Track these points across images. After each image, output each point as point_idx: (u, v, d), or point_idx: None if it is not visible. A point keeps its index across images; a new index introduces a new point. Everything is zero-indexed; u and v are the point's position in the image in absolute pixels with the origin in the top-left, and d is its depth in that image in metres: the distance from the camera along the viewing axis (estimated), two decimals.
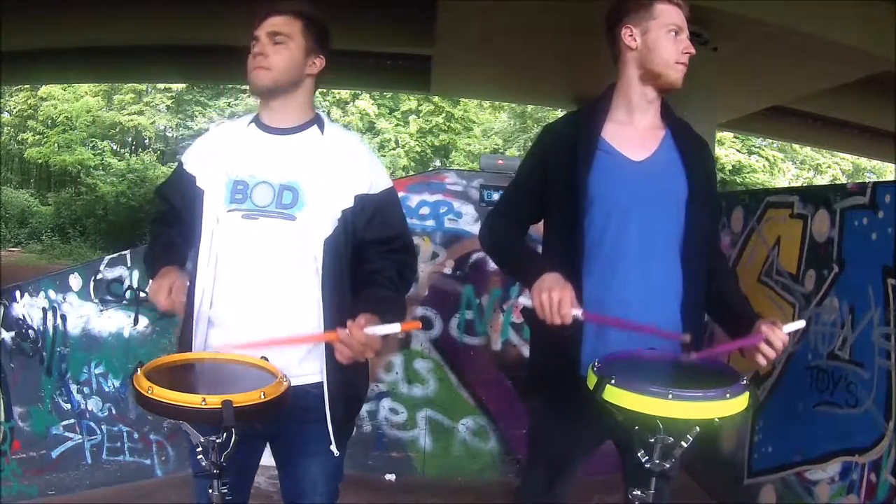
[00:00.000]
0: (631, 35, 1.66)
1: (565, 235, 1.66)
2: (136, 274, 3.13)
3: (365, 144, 1.76)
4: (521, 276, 1.74)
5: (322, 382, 1.58)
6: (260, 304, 1.57)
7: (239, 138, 1.66)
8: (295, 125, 1.66)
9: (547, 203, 1.74)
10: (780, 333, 1.51)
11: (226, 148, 1.65)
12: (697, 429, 1.38)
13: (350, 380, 1.62)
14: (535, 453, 1.85)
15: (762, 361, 1.54)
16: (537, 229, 1.83)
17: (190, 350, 1.60)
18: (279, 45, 1.60)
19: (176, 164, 1.78)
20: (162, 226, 1.77)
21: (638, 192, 1.64)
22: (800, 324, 1.62)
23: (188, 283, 1.60)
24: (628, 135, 1.69)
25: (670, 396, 1.29)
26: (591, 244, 1.63)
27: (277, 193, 1.58)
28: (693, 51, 1.66)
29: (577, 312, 1.48)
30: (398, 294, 1.62)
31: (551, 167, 1.71)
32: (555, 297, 1.47)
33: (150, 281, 1.62)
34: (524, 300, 1.62)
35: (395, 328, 1.44)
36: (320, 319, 1.56)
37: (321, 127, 1.67)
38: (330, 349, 1.53)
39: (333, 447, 1.60)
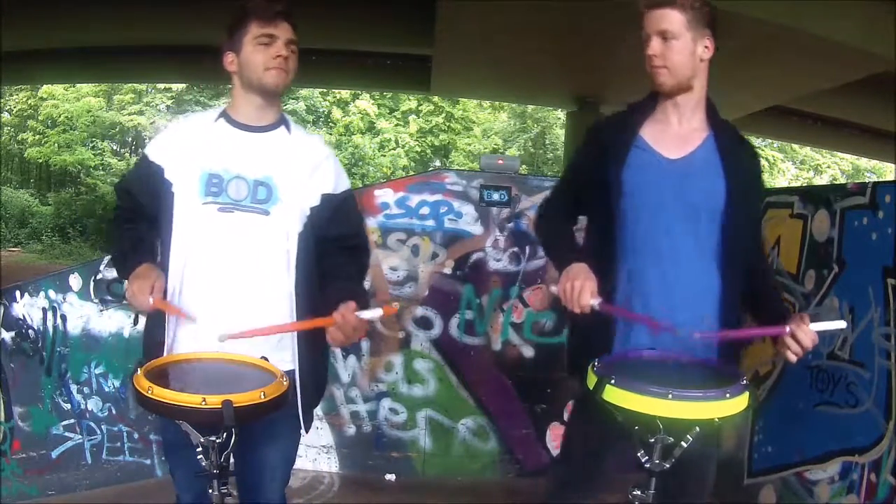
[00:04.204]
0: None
1: (601, 231, 1.70)
2: None
3: (328, 147, 1.82)
4: (555, 263, 1.78)
5: (294, 370, 1.63)
6: (233, 297, 1.59)
7: (209, 132, 1.67)
8: (266, 124, 1.69)
9: (586, 198, 1.77)
10: (806, 329, 1.50)
11: (196, 141, 1.66)
12: (697, 429, 1.38)
13: (317, 367, 1.71)
14: (571, 443, 1.89)
15: (791, 358, 1.53)
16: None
17: (161, 347, 1.60)
18: (292, 53, 1.66)
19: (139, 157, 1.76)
20: (126, 223, 1.73)
21: (670, 189, 1.64)
22: (839, 324, 1.59)
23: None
24: (667, 134, 1.69)
25: (670, 396, 1.29)
26: (623, 239, 1.66)
27: (252, 188, 1.62)
28: (652, 52, 1.62)
29: (595, 302, 1.52)
30: (362, 286, 1.76)
31: (591, 163, 1.74)
32: (577, 286, 1.52)
33: (126, 282, 1.56)
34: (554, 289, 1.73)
35: (378, 313, 1.56)
36: (292, 312, 1.61)
37: (288, 127, 1.73)
38: (301, 337, 1.62)
39: (303, 430, 1.69)
